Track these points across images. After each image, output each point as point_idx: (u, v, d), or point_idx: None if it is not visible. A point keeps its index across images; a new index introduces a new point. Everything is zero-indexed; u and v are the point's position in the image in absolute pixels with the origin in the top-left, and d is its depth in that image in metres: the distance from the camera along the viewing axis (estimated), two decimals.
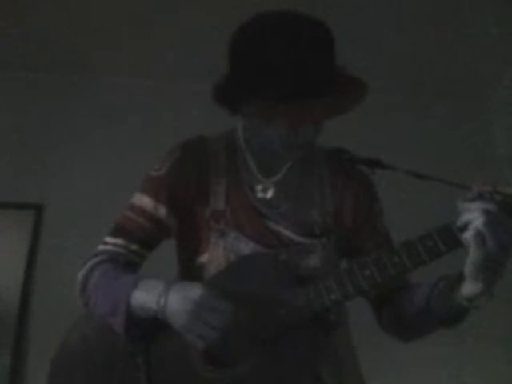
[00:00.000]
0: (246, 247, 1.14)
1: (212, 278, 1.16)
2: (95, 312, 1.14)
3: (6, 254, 2.57)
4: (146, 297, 1.06)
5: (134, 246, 1.20)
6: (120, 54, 2.74)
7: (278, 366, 1.02)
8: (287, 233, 1.16)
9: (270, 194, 1.19)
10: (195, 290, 1.02)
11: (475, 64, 2.77)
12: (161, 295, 1.05)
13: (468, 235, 0.91)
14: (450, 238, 0.94)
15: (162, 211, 1.20)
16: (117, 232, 1.22)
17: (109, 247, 1.21)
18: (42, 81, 2.84)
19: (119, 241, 1.20)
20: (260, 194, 1.19)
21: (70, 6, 2.47)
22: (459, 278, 0.99)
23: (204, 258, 1.18)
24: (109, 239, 1.22)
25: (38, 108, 2.81)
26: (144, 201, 1.21)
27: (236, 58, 1.06)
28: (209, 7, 2.44)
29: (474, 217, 0.91)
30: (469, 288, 0.97)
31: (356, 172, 1.23)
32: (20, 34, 2.61)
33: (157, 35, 2.62)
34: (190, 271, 1.21)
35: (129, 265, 1.19)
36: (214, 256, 1.16)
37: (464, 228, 0.93)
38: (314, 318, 1.03)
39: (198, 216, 1.19)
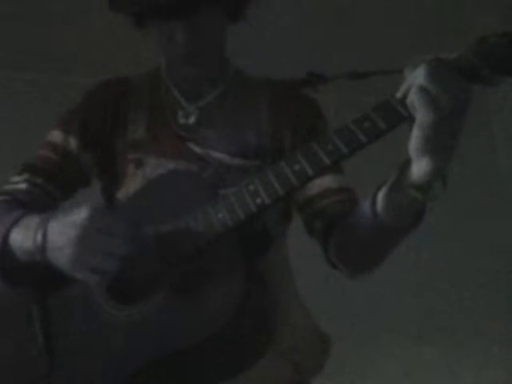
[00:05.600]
0: None
1: (121, 202, 1.05)
2: None
3: None
4: (22, 234, 0.87)
5: (38, 180, 1.06)
6: (120, 54, 2.73)
7: (199, 292, 0.85)
8: (215, 154, 1.06)
9: (192, 120, 1.11)
10: (80, 212, 0.81)
11: None
12: (38, 229, 0.84)
13: (411, 95, 0.74)
14: (389, 112, 0.78)
15: (73, 143, 1.10)
16: (21, 170, 1.09)
17: (10, 186, 1.08)
18: (42, 81, 2.84)
19: (23, 177, 1.07)
20: (182, 120, 1.11)
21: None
22: (404, 165, 0.81)
23: (122, 193, 1.08)
24: (13, 179, 1.09)
25: (38, 108, 2.80)
26: (53, 134, 1.12)
27: None
28: None
29: (414, 76, 0.74)
30: (415, 168, 0.78)
31: (298, 95, 1.15)
32: (20, 33, 2.62)
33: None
34: None
35: (33, 204, 1.03)
36: (131, 188, 1.06)
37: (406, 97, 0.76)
38: (242, 234, 0.87)
39: (116, 149, 1.10)
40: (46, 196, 1.08)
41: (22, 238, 0.87)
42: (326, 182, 1.06)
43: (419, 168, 0.78)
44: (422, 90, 0.72)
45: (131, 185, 1.06)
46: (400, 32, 2.60)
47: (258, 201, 0.83)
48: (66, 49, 2.71)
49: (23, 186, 1.06)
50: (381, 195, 0.86)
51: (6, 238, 0.88)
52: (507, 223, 2.81)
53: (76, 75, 2.75)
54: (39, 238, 0.83)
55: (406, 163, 0.80)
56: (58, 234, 0.82)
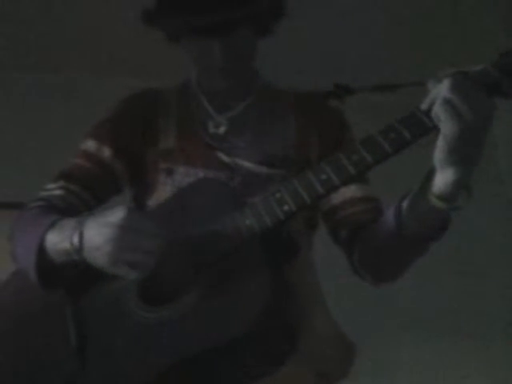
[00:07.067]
0: None
1: (152, 209, 1.08)
2: (15, 261, 1.00)
3: (6, 255, 2.55)
4: (58, 236, 0.90)
5: (73, 187, 1.11)
6: (120, 54, 2.73)
7: (226, 295, 0.87)
8: (243, 163, 1.11)
9: (222, 130, 1.15)
10: (116, 214, 0.85)
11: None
12: (74, 230, 0.88)
13: (436, 107, 0.76)
14: (415, 123, 0.80)
15: (106, 152, 1.14)
16: (57, 177, 1.14)
17: (45, 192, 1.12)
18: (42, 81, 2.83)
19: (58, 184, 1.11)
20: (212, 130, 1.15)
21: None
22: (429, 175, 0.83)
23: (152, 201, 1.12)
24: (48, 186, 1.13)
25: (38, 108, 2.80)
26: (88, 144, 1.16)
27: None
28: None
29: (439, 89, 0.77)
30: (439, 179, 0.80)
31: (324, 106, 1.20)
32: (19, 33, 2.61)
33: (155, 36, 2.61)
34: None
35: (67, 210, 1.06)
36: (161, 196, 1.09)
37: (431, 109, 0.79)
38: (267, 239, 0.88)
39: (147, 158, 1.15)
40: (81, 202, 1.11)
41: (58, 239, 0.90)
42: (350, 191, 1.09)
43: (443, 178, 0.80)
44: (447, 102, 0.75)
45: (161, 193, 1.10)
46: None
47: (285, 208, 0.86)
48: (65, 48, 2.71)
49: (58, 192, 1.10)
50: (405, 204, 0.89)
51: (42, 239, 0.92)
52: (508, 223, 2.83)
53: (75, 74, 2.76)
54: (76, 238, 0.87)
55: (431, 173, 0.82)
56: (94, 234, 0.85)
